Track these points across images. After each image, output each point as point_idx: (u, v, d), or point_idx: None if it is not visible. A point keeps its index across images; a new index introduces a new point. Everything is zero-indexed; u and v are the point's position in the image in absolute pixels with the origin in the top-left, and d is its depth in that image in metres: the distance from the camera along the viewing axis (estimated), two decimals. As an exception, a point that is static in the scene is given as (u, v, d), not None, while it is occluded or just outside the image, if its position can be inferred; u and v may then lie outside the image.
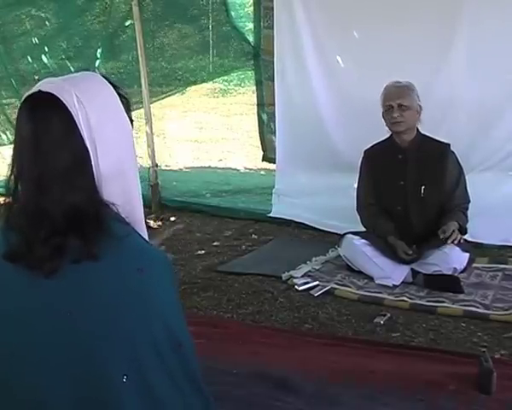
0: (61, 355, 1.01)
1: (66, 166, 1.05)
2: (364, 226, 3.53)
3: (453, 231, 3.16)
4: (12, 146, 1.11)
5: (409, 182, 3.36)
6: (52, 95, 1.08)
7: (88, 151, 1.07)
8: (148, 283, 1.06)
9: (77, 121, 1.06)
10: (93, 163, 1.08)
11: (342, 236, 3.52)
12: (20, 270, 1.04)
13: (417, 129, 3.41)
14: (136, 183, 1.19)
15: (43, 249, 1.02)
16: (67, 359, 1.01)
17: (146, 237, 1.18)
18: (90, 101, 1.09)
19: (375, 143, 3.53)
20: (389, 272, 3.27)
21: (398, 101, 3.30)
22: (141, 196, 1.20)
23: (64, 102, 1.07)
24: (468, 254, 3.25)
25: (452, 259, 3.19)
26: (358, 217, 3.56)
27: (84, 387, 1.01)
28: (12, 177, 1.08)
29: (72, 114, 1.06)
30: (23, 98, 1.10)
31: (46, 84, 1.10)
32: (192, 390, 1.09)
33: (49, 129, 1.06)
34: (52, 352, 1.02)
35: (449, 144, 3.37)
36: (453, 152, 3.37)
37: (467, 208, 3.36)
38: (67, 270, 1.03)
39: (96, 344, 1.01)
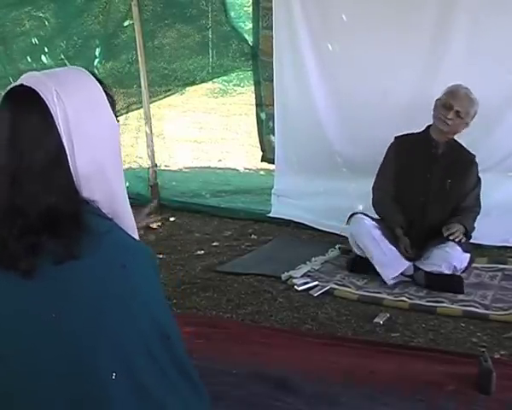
0: (48, 358, 1.00)
1: (42, 164, 1.04)
2: (373, 206, 3.52)
3: (457, 230, 3.20)
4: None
5: (435, 176, 3.40)
6: (32, 89, 1.06)
7: (65, 149, 1.05)
8: (131, 278, 1.05)
9: (55, 118, 1.05)
10: (70, 161, 1.06)
11: (351, 215, 3.49)
12: None
13: None
14: (120, 181, 1.17)
15: (16, 246, 1.01)
16: (55, 361, 1.00)
17: (136, 235, 1.17)
18: (69, 96, 1.07)
19: (408, 132, 3.50)
20: (391, 259, 3.28)
21: (458, 106, 3.31)
22: (125, 192, 1.18)
23: (43, 97, 1.05)
24: (469, 255, 3.27)
25: (453, 258, 3.20)
26: (371, 195, 3.53)
27: (74, 387, 1.00)
28: None
29: (51, 110, 1.05)
30: (6, 91, 1.09)
31: (28, 78, 1.09)
32: (185, 384, 1.09)
33: (26, 125, 1.05)
34: (39, 355, 1.01)
35: (474, 155, 3.44)
36: (477, 164, 3.43)
37: (477, 213, 3.39)
38: (48, 271, 1.01)
39: (82, 344, 1.00)
